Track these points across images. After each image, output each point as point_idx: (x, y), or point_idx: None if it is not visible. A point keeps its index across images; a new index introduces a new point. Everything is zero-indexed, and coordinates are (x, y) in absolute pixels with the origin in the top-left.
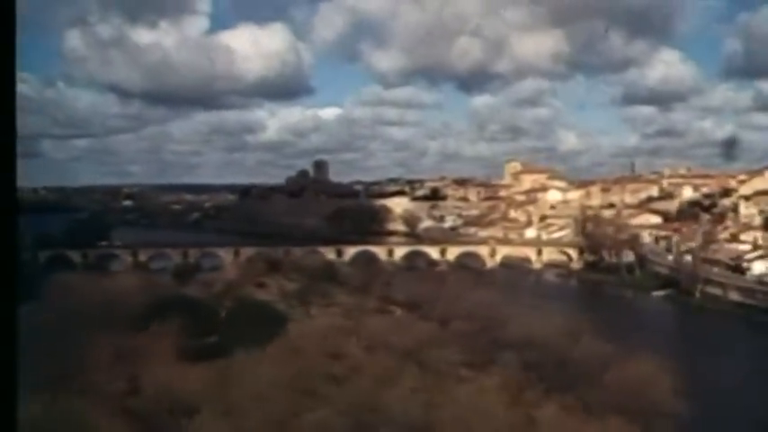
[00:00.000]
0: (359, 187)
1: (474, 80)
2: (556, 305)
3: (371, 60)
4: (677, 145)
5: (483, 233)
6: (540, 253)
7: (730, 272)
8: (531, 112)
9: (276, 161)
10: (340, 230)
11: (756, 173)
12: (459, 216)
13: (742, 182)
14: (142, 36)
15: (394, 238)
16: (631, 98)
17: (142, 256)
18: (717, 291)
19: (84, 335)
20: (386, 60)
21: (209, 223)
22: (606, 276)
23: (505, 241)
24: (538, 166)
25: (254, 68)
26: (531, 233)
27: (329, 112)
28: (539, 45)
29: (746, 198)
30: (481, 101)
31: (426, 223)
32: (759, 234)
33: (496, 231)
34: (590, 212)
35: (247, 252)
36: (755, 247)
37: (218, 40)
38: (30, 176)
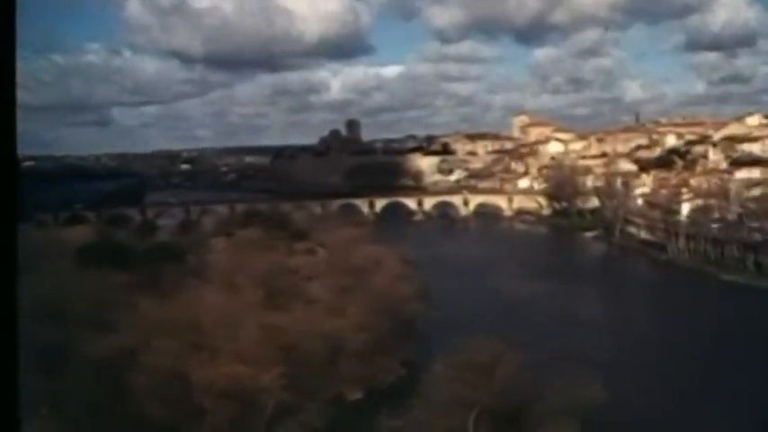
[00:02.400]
0: (380, 145)
1: (532, 32)
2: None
3: (428, 16)
4: (745, 91)
5: (483, 184)
6: (511, 201)
7: (660, 213)
8: (594, 63)
9: (341, 120)
10: (356, 186)
11: (737, 119)
12: (466, 169)
13: (718, 129)
14: (200, 1)
15: (401, 191)
16: (695, 44)
17: (150, 214)
18: (634, 230)
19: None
20: (442, 15)
21: (244, 183)
22: (563, 221)
23: (478, 191)
24: (544, 119)
25: (313, 29)
26: (524, 183)
27: (391, 70)
28: None
29: (714, 144)
30: (542, 53)
31: (434, 177)
32: (711, 178)
33: (495, 182)
34: (553, 162)
35: (242, 208)
36: (690, 189)
37: (275, 3)
38: (104, 143)
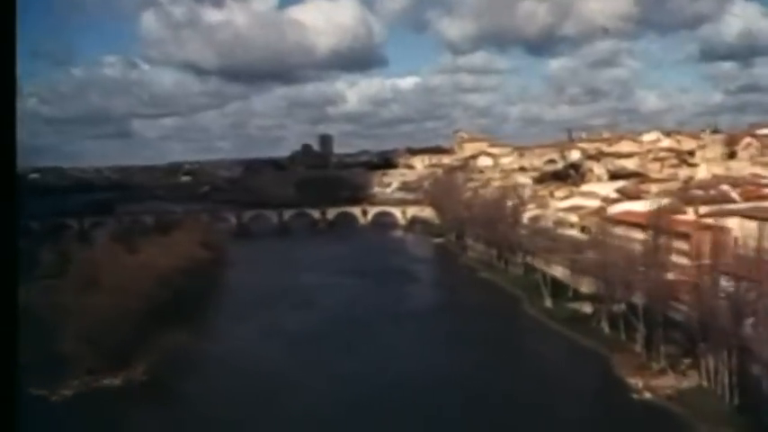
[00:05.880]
0: (335, 159)
1: (543, 43)
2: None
3: (439, 28)
4: (764, 100)
5: (410, 196)
6: (404, 212)
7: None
8: (609, 73)
9: (359, 131)
10: (305, 197)
11: (637, 135)
12: (402, 182)
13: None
14: (212, 15)
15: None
16: (709, 54)
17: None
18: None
19: None
20: (453, 27)
21: (215, 194)
22: (437, 229)
23: (375, 201)
24: (480, 135)
25: (325, 42)
26: None
27: (407, 82)
28: (606, 5)
29: (597, 159)
30: (557, 64)
31: (374, 189)
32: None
33: (420, 194)
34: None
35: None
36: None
37: (287, 16)
38: (125, 155)
